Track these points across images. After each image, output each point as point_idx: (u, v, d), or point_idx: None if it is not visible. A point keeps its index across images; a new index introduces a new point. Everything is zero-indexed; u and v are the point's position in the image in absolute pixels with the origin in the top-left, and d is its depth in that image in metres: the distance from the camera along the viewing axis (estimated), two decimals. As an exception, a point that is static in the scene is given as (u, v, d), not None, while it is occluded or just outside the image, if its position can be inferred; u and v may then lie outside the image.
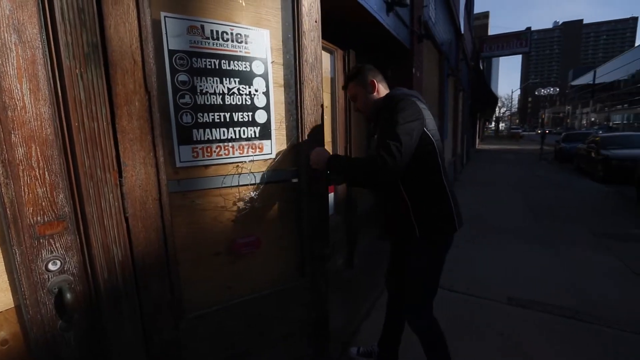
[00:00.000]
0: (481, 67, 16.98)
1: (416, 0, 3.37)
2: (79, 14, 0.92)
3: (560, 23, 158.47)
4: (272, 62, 1.38)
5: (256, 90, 1.35)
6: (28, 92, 0.86)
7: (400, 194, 1.41)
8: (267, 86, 1.38)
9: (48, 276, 0.92)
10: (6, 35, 0.81)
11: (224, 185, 1.32)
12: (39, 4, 0.86)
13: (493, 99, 15.58)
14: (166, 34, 1.12)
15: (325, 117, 2.57)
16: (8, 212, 0.85)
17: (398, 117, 1.29)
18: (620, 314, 2.36)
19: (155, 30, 1.08)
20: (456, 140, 8.58)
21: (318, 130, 1.54)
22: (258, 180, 1.39)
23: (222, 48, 1.25)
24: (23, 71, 0.85)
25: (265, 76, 1.36)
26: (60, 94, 0.91)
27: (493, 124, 52.41)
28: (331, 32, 2.44)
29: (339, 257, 2.86)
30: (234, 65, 1.29)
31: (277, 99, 1.41)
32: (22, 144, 0.85)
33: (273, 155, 1.43)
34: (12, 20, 0.82)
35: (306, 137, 1.47)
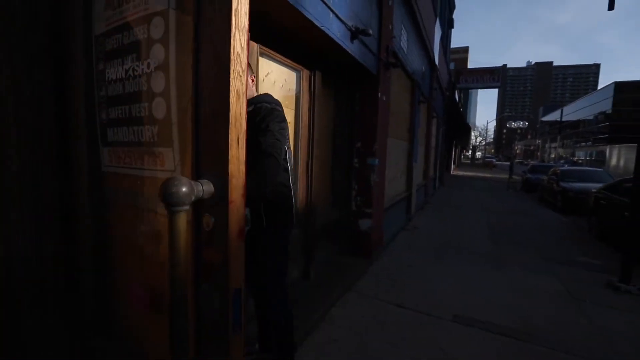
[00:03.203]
0: (457, 97, 17.94)
1: (384, 30, 3.62)
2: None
3: (533, 63, 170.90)
4: (175, 9, 0.95)
5: (149, 66, 1.01)
6: None
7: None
8: (166, 55, 0.96)
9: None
10: None
11: (127, 202, 1.11)
12: None
13: (466, 128, 16.41)
14: (92, 18, 1.03)
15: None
16: None
17: (281, 125, 1.52)
18: (554, 334, 2.51)
19: (86, 17, 1.01)
20: (428, 164, 8.94)
21: (230, 126, 1.03)
22: (151, 207, 1.07)
23: (124, 15, 1.03)
24: None
25: (165, 39, 0.96)
26: None
27: (470, 152, 54.76)
28: (298, 53, 2.60)
29: (294, 269, 2.90)
30: (132, 36, 1.02)
31: (180, 74, 0.98)
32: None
33: (177, 172, 1.05)
34: None
35: (219, 138, 1.04)
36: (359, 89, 3.69)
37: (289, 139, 1.67)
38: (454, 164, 26.80)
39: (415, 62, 6.03)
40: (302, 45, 2.56)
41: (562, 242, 5.46)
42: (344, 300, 2.83)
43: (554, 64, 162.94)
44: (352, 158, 3.84)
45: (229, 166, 1.04)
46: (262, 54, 2.24)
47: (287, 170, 1.61)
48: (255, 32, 2.05)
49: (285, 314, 1.72)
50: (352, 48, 2.84)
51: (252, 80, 1.63)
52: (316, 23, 2.15)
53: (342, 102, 3.71)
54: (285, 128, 1.56)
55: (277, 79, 2.49)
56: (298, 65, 2.68)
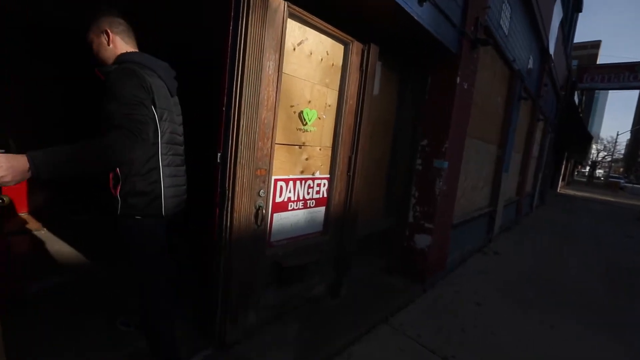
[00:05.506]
0: (576, 99, 14.63)
1: (473, -3, 2.80)
2: None
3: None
4: None
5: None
6: None
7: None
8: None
9: None
10: None
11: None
12: None
13: (586, 138, 13.20)
14: None
15: (324, 116, 2.20)
16: None
17: (124, 89, 1.16)
18: None
19: None
20: (524, 177, 7.30)
21: None
22: None
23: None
24: None
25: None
26: None
27: (587, 168, 45.09)
28: (345, 20, 2.09)
29: (319, 283, 2.42)
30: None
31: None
32: None
33: None
34: None
35: None
36: (432, 72, 2.96)
37: (169, 109, 1.36)
38: (563, 180, 22.23)
39: (518, 47, 4.82)
40: (351, 8, 2.04)
41: None
42: (374, 334, 2.24)
43: None
44: (414, 158, 3.14)
45: None
46: (292, 16, 1.80)
47: (156, 146, 1.30)
48: (282, -15, 1.63)
49: (159, 324, 1.44)
50: (419, 13, 2.18)
51: (106, 35, 1.33)
52: (362, -30, 1.61)
53: (407, 88, 3.04)
54: (146, 93, 1.21)
55: (315, 50, 2.03)
56: (346, 35, 2.16)
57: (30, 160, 0.92)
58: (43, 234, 3.38)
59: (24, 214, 3.76)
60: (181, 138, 1.50)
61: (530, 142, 7.15)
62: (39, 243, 3.13)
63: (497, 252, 4.70)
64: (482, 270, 3.85)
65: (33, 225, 3.53)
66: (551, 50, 6.83)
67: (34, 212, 3.81)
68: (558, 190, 18.22)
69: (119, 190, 1.28)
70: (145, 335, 1.46)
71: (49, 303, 2.10)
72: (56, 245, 3.11)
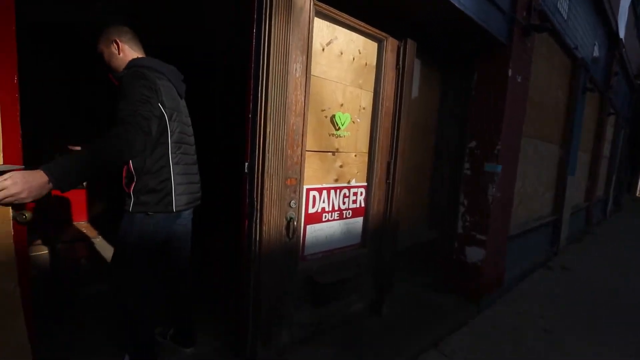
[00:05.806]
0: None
1: (525, -22, 2.49)
2: None
3: None
4: None
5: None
6: None
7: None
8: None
9: None
10: None
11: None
12: None
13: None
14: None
15: (358, 120, 2.05)
16: None
17: (133, 89, 1.22)
18: None
19: None
20: (594, 180, 6.40)
21: None
22: None
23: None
24: None
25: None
26: None
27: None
28: (378, 14, 1.94)
29: (358, 300, 2.24)
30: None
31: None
32: None
33: None
34: None
35: None
36: (479, 66, 2.67)
37: (178, 110, 1.43)
38: (642, 182, 19.34)
39: (581, 32, 4.26)
40: (384, 1, 1.89)
41: None
42: (421, 360, 1.99)
43: None
44: (461, 162, 2.84)
45: None
46: (319, 14, 1.70)
47: (166, 145, 1.36)
48: (307, -18, 1.54)
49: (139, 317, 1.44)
50: (462, 0, 1.96)
51: (115, 45, 1.40)
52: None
53: (450, 85, 2.79)
54: (153, 92, 1.26)
55: (346, 50, 1.90)
56: (379, 32, 2.00)
57: (48, 174, 0.92)
58: (99, 241, 3.62)
59: (83, 222, 4.08)
60: (191, 138, 1.56)
61: (599, 140, 6.28)
62: (93, 250, 3.34)
63: (565, 266, 4.09)
64: (547, 289, 3.35)
65: (90, 233, 3.81)
66: (621, 35, 5.98)
67: (92, 221, 4.12)
68: (637, 194, 15.88)
69: (132, 188, 1.32)
70: (127, 338, 1.51)
71: (86, 310, 2.17)
72: (109, 253, 3.30)
